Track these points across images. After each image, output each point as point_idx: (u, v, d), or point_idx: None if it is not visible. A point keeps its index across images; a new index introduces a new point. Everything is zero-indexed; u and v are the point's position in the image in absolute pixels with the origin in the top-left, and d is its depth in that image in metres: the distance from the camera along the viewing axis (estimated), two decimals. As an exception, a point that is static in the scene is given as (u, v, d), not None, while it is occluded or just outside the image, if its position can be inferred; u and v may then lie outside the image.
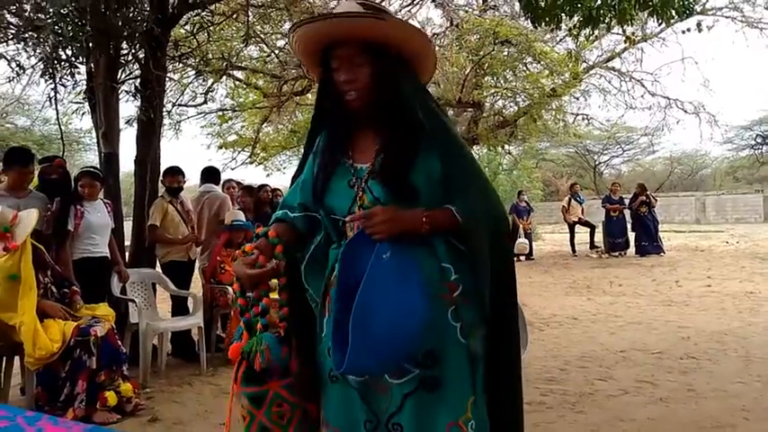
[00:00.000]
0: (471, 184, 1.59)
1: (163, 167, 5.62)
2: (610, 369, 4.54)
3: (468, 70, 11.08)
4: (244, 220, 5.54)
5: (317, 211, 1.69)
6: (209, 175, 6.07)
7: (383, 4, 11.52)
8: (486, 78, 11.77)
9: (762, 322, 5.97)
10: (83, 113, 6.00)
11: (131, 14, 5.25)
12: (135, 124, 5.73)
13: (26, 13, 5.03)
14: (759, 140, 27.47)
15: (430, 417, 1.49)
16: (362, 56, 1.54)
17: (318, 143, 1.71)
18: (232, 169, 14.40)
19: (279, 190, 7.18)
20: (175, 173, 5.49)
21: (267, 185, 7.08)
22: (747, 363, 4.55)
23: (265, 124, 13.53)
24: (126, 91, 5.66)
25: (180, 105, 10.56)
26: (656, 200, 13.58)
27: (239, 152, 14.27)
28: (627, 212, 13.43)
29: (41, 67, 5.12)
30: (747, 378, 4.16)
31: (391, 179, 1.54)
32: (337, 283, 1.50)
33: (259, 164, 14.84)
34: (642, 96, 13.51)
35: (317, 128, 1.72)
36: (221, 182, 6.48)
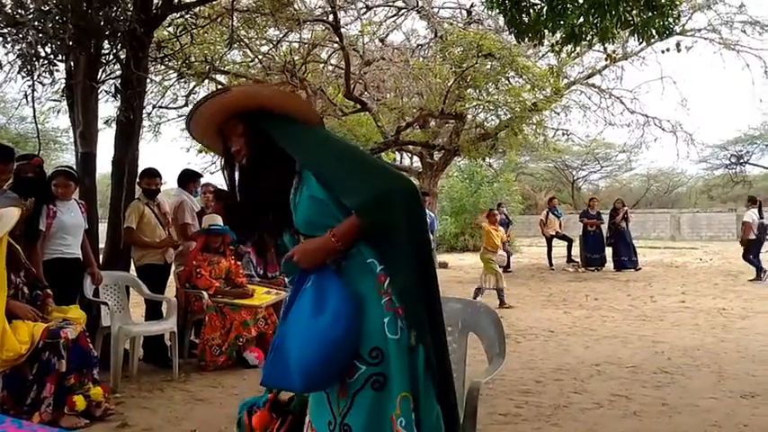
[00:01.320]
0: (346, 174, 1.69)
1: (141, 169, 5.54)
2: (585, 382, 4.56)
3: (451, 82, 11.15)
4: (221, 224, 5.48)
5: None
6: (180, 179, 5.97)
7: (369, 15, 11.58)
8: (468, 90, 11.85)
9: (734, 338, 6.05)
10: (59, 111, 5.92)
11: (114, 14, 5.19)
12: (113, 125, 5.65)
13: (6, 9, 4.94)
14: (734, 160, 28.02)
15: (378, 415, 1.55)
16: (240, 126, 1.82)
17: None
18: (211, 173, 14.26)
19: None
20: (152, 175, 5.41)
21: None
22: (720, 378, 4.60)
23: (247, 129, 13.46)
24: (106, 91, 5.59)
25: (160, 107, 10.48)
26: (629, 217, 13.74)
27: (219, 156, 14.15)
28: (604, 228, 13.58)
29: (19, 63, 5.02)
30: (720, 393, 4.21)
31: (284, 222, 1.82)
32: (283, 310, 1.78)
33: (239, 169, 14.71)
34: (621, 113, 13.76)
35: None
36: (198, 186, 6.39)
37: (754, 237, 11.01)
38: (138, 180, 5.46)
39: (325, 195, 1.69)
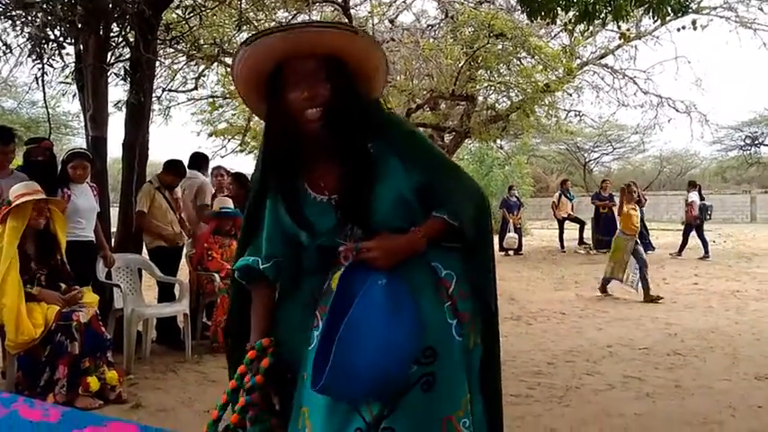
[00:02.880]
0: (451, 181, 1.58)
1: (152, 153, 5.55)
2: (597, 364, 4.55)
3: (461, 63, 11.03)
4: (232, 207, 5.48)
5: (294, 242, 1.60)
6: (194, 161, 5.98)
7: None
8: (479, 72, 11.72)
9: (748, 321, 6.00)
10: (71, 95, 5.89)
11: (122, -5, 5.16)
12: (123, 108, 5.65)
13: (14, -9, 4.92)
14: (748, 141, 27.67)
15: (426, 418, 1.44)
16: (324, 70, 1.46)
17: (274, 185, 1.58)
18: (222, 157, 14.29)
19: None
20: (179, 174, 5.39)
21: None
22: (734, 360, 4.57)
23: (256, 113, 13.42)
24: (115, 74, 5.57)
25: (170, 91, 10.46)
26: (645, 198, 13.60)
27: (229, 140, 14.17)
28: (615, 210, 13.46)
29: (29, 46, 5.01)
30: (734, 376, 4.18)
31: (353, 213, 1.51)
32: (331, 303, 1.45)
33: (249, 153, 14.71)
34: (635, 94, 13.54)
35: (271, 165, 1.58)
36: (210, 169, 6.41)
37: (695, 215, 12.01)
38: (160, 171, 5.44)
39: (414, 198, 1.53)
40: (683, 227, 12.69)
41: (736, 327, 5.74)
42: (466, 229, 1.54)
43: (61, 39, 4.99)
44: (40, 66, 5.09)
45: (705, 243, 12.00)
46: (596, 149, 34.37)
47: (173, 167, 5.40)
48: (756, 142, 27.78)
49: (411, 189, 1.52)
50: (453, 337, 1.51)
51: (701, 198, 12.41)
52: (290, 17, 9.81)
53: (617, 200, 13.53)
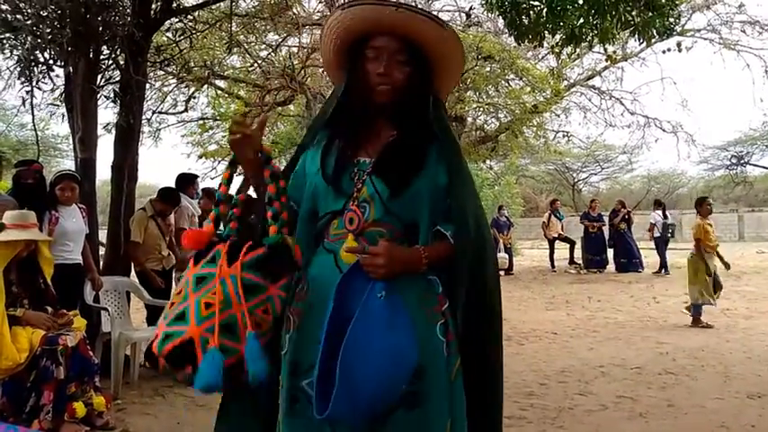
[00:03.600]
0: (469, 203, 1.57)
1: (141, 175, 5.52)
2: (589, 384, 4.53)
3: (451, 85, 11.14)
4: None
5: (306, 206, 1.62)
6: (179, 183, 5.93)
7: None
8: (468, 93, 11.83)
9: (738, 339, 6.02)
10: (60, 117, 5.87)
11: (112, 18, 5.18)
12: (113, 130, 5.63)
13: (3, 14, 4.92)
14: (734, 161, 27.96)
15: None
16: (405, 54, 1.51)
17: (320, 138, 1.63)
18: (212, 179, 14.25)
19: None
20: (176, 203, 5.40)
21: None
22: (726, 379, 4.57)
23: (247, 134, 13.44)
24: (105, 96, 5.56)
25: (160, 113, 10.46)
26: (632, 218, 13.69)
27: (219, 162, 14.15)
28: (605, 229, 13.54)
29: (18, 69, 5.00)
30: (726, 394, 4.17)
31: (392, 174, 1.51)
32: (329, 316, 1.40)
33: (239, 174, 14.69)
34: (622, 114, 13.73)
35: (325, 122, 1.65)
36: (197, 188, 6.33)
37: (658, 234, 12.63)
38: (153, 197, 5.42)
39: (432, 195, 1.54)
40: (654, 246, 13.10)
41: (726, 345, 5.74)
42: (461, 251, 1.52)
43: (50, 61, 4.99)
44: (28, 88, 5.08)
45: (664, 260, 12.69)
46: (585, 169, 34.66)
47: (168, 196, 5.37)
48: (742, 161, 28.06)
49: (436, 188, 1.53)
50: (442, 356, 1.48)
51: (665, 217, 12.94)
52: (281, 39, 9.89)
53: (605, 219, 13.67)
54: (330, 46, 1.59)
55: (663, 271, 12.52)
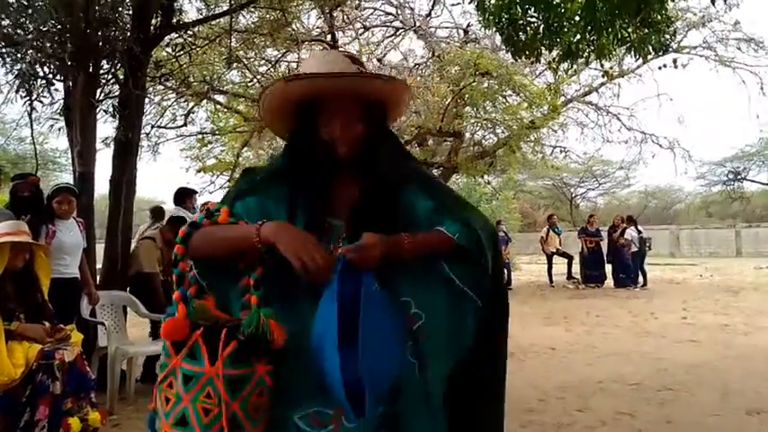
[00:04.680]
0: (460, 205, 1.56)
1: (139, 189, 5.52)
2: (588, 400, 4.51)
3: (448, 100, 11.19)
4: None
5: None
6: (178, 197, 5.94)
7: (367, 35, 11.66)
8: (466, 109, 11.89)
9: (737, 355, 6.00)
10: (58, 130, 5.87)
11: (112, 33, 5.21)
12: (112, 145, 5.64)
13: (5, 29, 4.96)
14: (731, 176, 28.10)
15: None
16: (360, 111, 1.49)
17: (275, 194, 1.53)
18: (210, 193, 14.22)
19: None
20: (180, 221, 5.37)
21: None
22: (724, 395, 4.55)
23: (245, 149, 13.45)
24: (104, 110, 5.58)
25: (159, 127, 10.48)
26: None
27: (218, 176, 14.15)
28: (603, 244, 13.56)
29: (18, 83, 5.02)
30: (725, 410, 4.15)
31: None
32: (337, 321, 1.30)
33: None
34: (619, 130, 13.78)
35: (277, 175, 1.56)
36: (195, 202, 6.33)
37: (636, 249, 13.07)
38: (161, 225, 5.43)
39: (421, 222, 1.51)
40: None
41: (725, 361, 5.73)
42: (466, 242, 1.46)
43: (50, 75, 5.01)
44: (28, 102, 5.10)
45: (644, 274, 13.15)
46: (582, 185, 34.79)
47: (179, 224, 5.34)
48: (739, 177, 28.23)
49: (423, 213, 1.51)
50: (416, 378, 1.42)
51: (639, 232, 13.42)
52: (280, 55, 9.95)
53: (604, 234, 13.69)
54: (274, 105, 1.53)
55: (641, 284, 12.85)
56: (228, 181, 13.92)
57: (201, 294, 1.41)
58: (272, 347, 1.33)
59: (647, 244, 13.51)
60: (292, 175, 1.52)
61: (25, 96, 5.04)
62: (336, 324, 1.28)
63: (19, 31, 4.87)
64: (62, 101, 5.34)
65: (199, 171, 13.96)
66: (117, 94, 5.60)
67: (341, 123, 1.47)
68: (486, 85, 11.23)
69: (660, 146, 13.92)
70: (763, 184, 30.02)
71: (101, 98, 5.43)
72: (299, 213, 1.48)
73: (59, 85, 5.29)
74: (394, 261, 1.41)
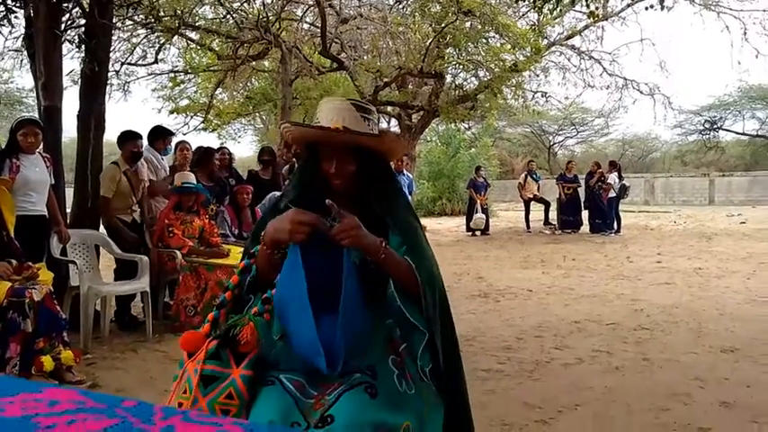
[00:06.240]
0: (424, 256, 1.70)
1: (109, 129, 5.28)
2: (565, 339, 4.54)
3: (430, 40, 10.90)
4: (194, 182, 5.30)
5: None
6: (151, 135, 5.71)
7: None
8: (448, 50, 11.62)
9: (711, 297, 6.10)
10: (25, 70, 5.59)
11: (75, -43, 4.89)
12: (79, 82, 5.37)
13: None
14: (707, 126, 28.30)
15: (364, 415, 1.42)
16: (351, 155, 1.69)
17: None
18: (184, 134, 13.88)
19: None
20: (134, 137, 5.12)
21: (225, 148, 6.80)
22: (699, 335, 4.62)
23: (219, 90, 13.08)
24: (69, 41, 5.29)
25: (129, 64, 10.09)
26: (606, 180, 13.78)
27: (192, 117, 13.80)
28: (581, 191, 13.62)
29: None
30: (700, 349, 4.22)
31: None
32: (308, 281, 1.48)
33: (213, 131, 14.37)
34: (600, 75, 13.67)
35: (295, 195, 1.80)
36: (172, 144, 6.14)
37: (614, 195, 12.96)
38: (120, 145, 5.17)
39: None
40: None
41: (699, 302, 5.82)
42: (426, 286, 1.62)
43: (9, 2, 4.69)
44: (-14, 30, 4.81)
45: (619, 219, 13.14)
46: (560, 133, 34.82)
47: (126, 135, 5.14)
48: (715, 126, 28.45)
49: (393, 244, 1.68)
50: (392, 373, 1.54)
51: (621, 178, 13.35)
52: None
53: (581, 181, 13.74)
54: (288, 139, 1.86)
55: (615, 230, 12.96)
56: (203, 122, 13.61)
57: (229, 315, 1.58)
58: (239, 350, 1.48)
59: (626, 191, 13.51)
60: (298, 199, 1.75)
61: (-17, 24, 4.75)
62: (305, 289, 1.45)
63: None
64: (23, 30, 5.03)
65: (172, 112, 13.62)
66: (83, 24, 5.29)
67: (336, 163, 1.69)
68: (468, 24, 10.95)
69: (641, 92, 13.93)
70: (739, 133, 30.36)
71: (65, 28, 5.12)
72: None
73: (20, 14, 4.98)
74: (367, 256, 1.60)
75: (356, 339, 1.47)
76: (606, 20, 12.14)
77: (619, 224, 13.14)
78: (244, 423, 0.78)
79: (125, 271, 4.99)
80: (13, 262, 3.66)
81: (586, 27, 12.61)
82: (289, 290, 1.51)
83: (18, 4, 4.87)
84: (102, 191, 4.97)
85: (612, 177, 13.14)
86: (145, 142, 5.45)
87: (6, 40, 5.10)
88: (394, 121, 14.86)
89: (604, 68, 13.54)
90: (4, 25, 4.95)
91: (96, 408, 0.75)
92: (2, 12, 4.83)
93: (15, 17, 4.86)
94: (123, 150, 5.11)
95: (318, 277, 1.48)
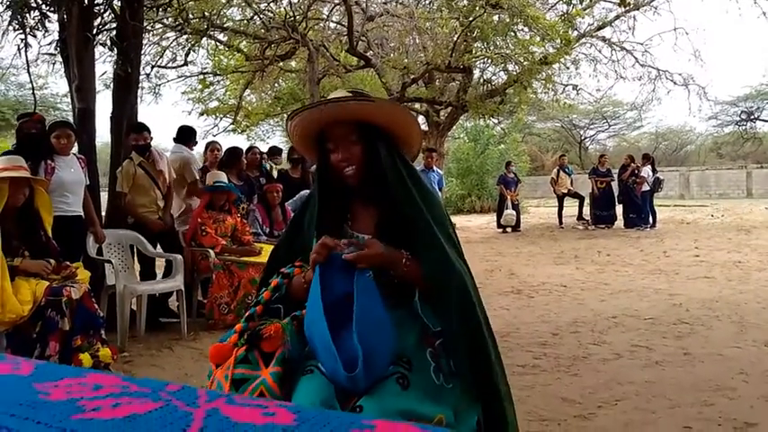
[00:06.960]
0: (445, 252, 1.63)
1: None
2: (602, 334, 4.45)
3: (457, 34, 10.81)
4: (226, 181, 5.34)
5: None
6: (180, 135, 5.76)
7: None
8: (476, 44, 11.51)
9: (752, 290, 5.92)
10: (59, 76, 5.70)
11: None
12: (111, 84, 5.46)
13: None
14: (744, 116, 27.54)
15: (396, 407, 1.40)
16: (355, 134, 1.66)
17: (312, 215, 1.75)
18: (214, 136, 14.08)
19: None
20: (140, 129, 5.05)
21: (256, 147, 6.86)
22: (741, 328, 4.48)
23: (248, 91, 13.19)
24: (102, 44, 5.37)
25: (160, 67, 10.24)
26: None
27: (221, 119, 13.95)
28: (614, 185, 13.37)
29: (10, 14, 4.81)
30: (743, 343, 4.08)
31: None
32: (322, 299, 1.47)
33: (242, 132, 14.51)
34: (633, 66, 13.38)
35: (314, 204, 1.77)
36: (200, 143, 6.21)
37: (648, 188, 12.62)
38: (125, 138, 5.17)
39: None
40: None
41: (740, 296, 5.65)
42: (434, 285, 1.59)
43: (43, 5, 4.79)
44: (22, 36, 4.90)
45: (654, 214, 12.85)
46: (592, 127, 34.27)
47: (133, 127, 5.10)
48: (752, 117, 27.66)
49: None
50: (429, 366, 1.52)
51: (654, 171, 13.04)
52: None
53: (615, 175, 13.47)
54: (299, 145, 1.80)
55: (651, 224, 12.64)
56: (232, 123, 13.75)
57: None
58: (264, 348, 1.50)
59: (660, 184, 13.13)
60: (318, 200, 1.74)
61: (18, 29, 4.85)
62: (320, 305, 1.45)
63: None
64: (57, 34, 5.12)
65: (201, 114, 13.78)
66: (114, 26, 5.37)
67: (340, 145, 1.66)
68: (496, 18, 10.83)
69: (674, 83, 13.58)
70: (777, 123, 29.46)
71: (97, 31, 5.21)
72: (324, 228, 1.69)
73: (54, 18, 5.07)
74: (390, 272, 1.59)
75: (377, 350, 1.44)
76: (638, 9, 11.86)
77: (654, 218, 12.82)
78: (290, 405, 0.76)
79: (150, 270, 5.04)
80: (52, 261, 3.73)
81: (617, 17, 12.34)
82: (309, 307, 1.52)
83: (52, 9, 4.94)
84: (117, 187, 4.98)
85: (646, 171, 12.81)
86: (173, 144, 5.50)
87: (40, 45, 5.16)
88: (422, 118, 14.79)
89: (636, 59, 13.24)
90: (39, 30, 5.02)
91: (140, 392, 0.75)
92: (37, 17, 4.91)
93: (49, 21, 4.94)
94: (125, 143, 5.12)
95: (336, 294, 1.50)
